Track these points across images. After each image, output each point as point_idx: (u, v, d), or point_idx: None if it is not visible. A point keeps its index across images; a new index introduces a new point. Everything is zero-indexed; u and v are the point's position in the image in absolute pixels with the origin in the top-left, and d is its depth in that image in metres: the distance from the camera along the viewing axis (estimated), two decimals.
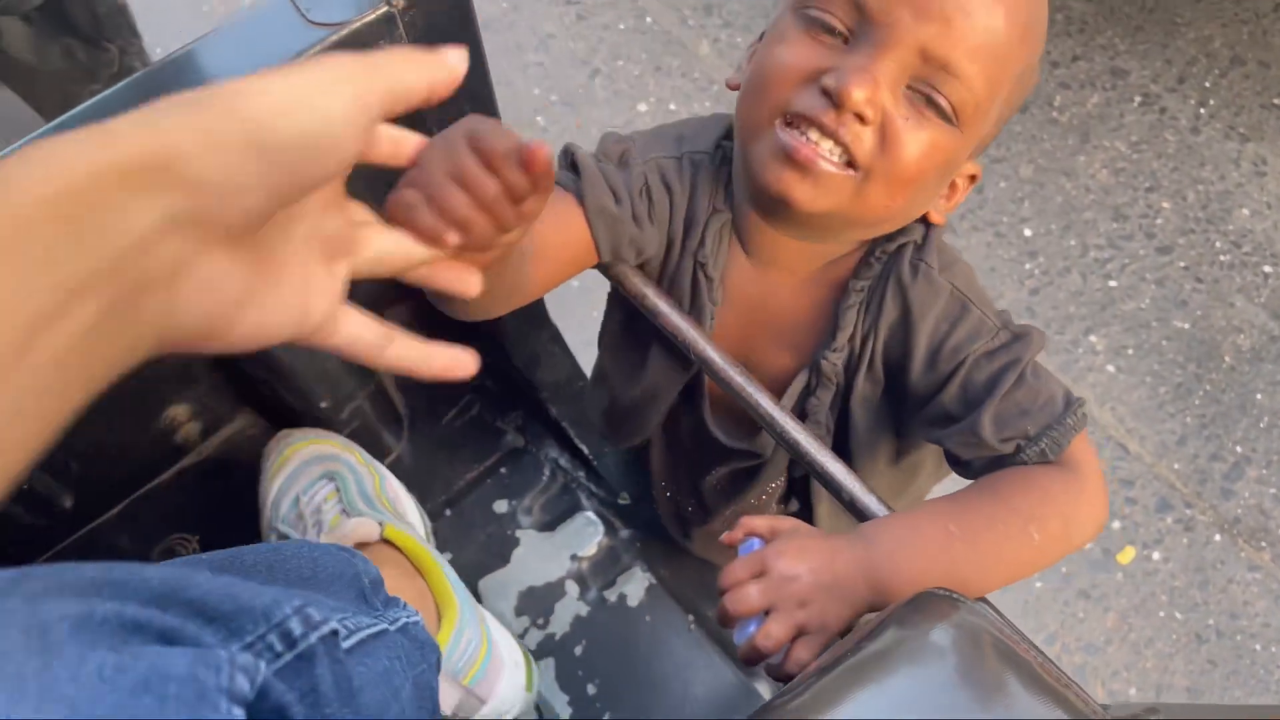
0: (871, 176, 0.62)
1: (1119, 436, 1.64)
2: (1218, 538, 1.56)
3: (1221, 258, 1.78)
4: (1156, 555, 1.55)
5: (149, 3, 2.20)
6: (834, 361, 0.73)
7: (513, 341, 1.11)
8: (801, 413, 0.77)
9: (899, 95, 0.61)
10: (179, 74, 0.65)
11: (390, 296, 1.24)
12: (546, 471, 1.17)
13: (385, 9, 0.64)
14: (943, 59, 0.59)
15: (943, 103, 0.61)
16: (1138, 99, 1.94)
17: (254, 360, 1.04)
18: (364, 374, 1.11)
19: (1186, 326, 1.72)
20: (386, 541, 0.83)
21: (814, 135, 0.61)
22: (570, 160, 0.73)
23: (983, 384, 0.67)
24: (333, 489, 0.89)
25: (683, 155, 0.75)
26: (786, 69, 0.62)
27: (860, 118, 0.60)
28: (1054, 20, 2.03)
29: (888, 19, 0.59)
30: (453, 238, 0.49)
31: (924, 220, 0.71)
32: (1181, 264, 1.78)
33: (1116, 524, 1.58)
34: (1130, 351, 1.71)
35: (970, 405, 0.68)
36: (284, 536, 0.87)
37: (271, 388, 1.07)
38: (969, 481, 0.69)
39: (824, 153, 0.61)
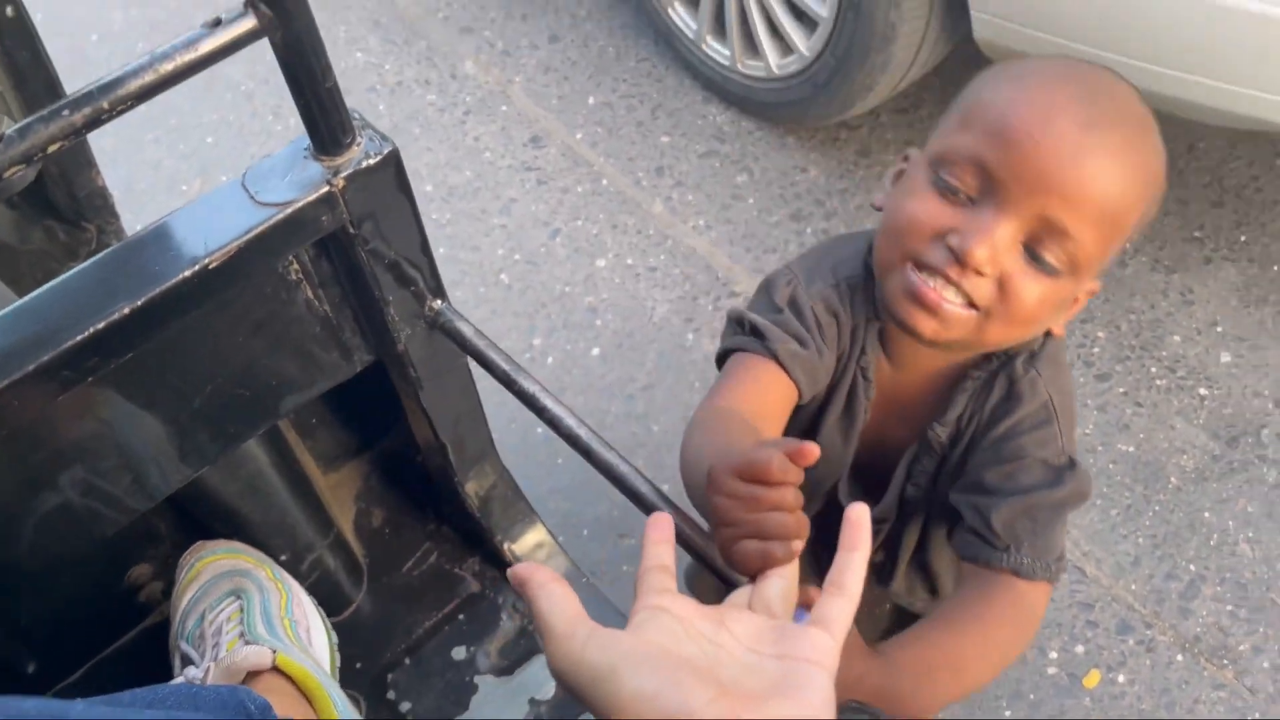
0: (991, 316, 0.72)
1: (1076, 560, 1.67)
2: (1180, 658, 1.57)
3: (1158, 382, 1.85)
4: (1121, 678, 1.56)
5: (132, 184, 2.33)
6: (940, 435, 0.85)
7: (468, 489, 1.15)
8: (908, 475, 0.89)
9: (1017, 251, 0.69)
10: (142, 250, 0.72)
11: (351, 449, 1.30)
12: (504, 615, 1.20)
13: (326, 189, 0.72)
14: (1060, 224, 0.68)
15: (1056, 259, 0.69)
16: None
17: (215, 515, 1.08)
18: (323, 525, 1.15)
19: (1131, 449, 1.78)
20: (278, 669, 0.85)
21: (938, 283, 0.71)
22: (750, 326, 0.82)
23: (1024, 485, 0.78)
24: (237, 608, 0.92)
25: (839, 281, 0.85)
26: (918, 225, 0.72)
27: (979, 272, 0.69)
28: None
29: (1010, 185, 0.68)
30: (799, 545, 0.55)
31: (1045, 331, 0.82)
32: (1121, 389, 1.85)
33: (1080, 648, 1.59)
34: None
35: (1000, 492, 0.79)
36: (186, 656, 0.89)
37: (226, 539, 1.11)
38: None
39: (948, 298, 0.71)
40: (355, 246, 0.78)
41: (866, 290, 0.84)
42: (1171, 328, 1.92)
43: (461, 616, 1.20)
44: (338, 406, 1.24)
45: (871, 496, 0.91)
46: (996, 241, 0.68)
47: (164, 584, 1.18)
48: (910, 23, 1.83)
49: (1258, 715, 1.51)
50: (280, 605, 1.02)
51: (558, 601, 0.49)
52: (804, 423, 0.90)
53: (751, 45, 2.17)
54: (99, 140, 2.48)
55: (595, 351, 1.99)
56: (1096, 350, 1.90)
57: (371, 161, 0.73)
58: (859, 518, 0.53)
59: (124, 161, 2.37)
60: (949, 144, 0.72)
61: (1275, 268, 1.98)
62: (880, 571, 1.05)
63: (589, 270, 2.12)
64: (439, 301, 0.88)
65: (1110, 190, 0.67)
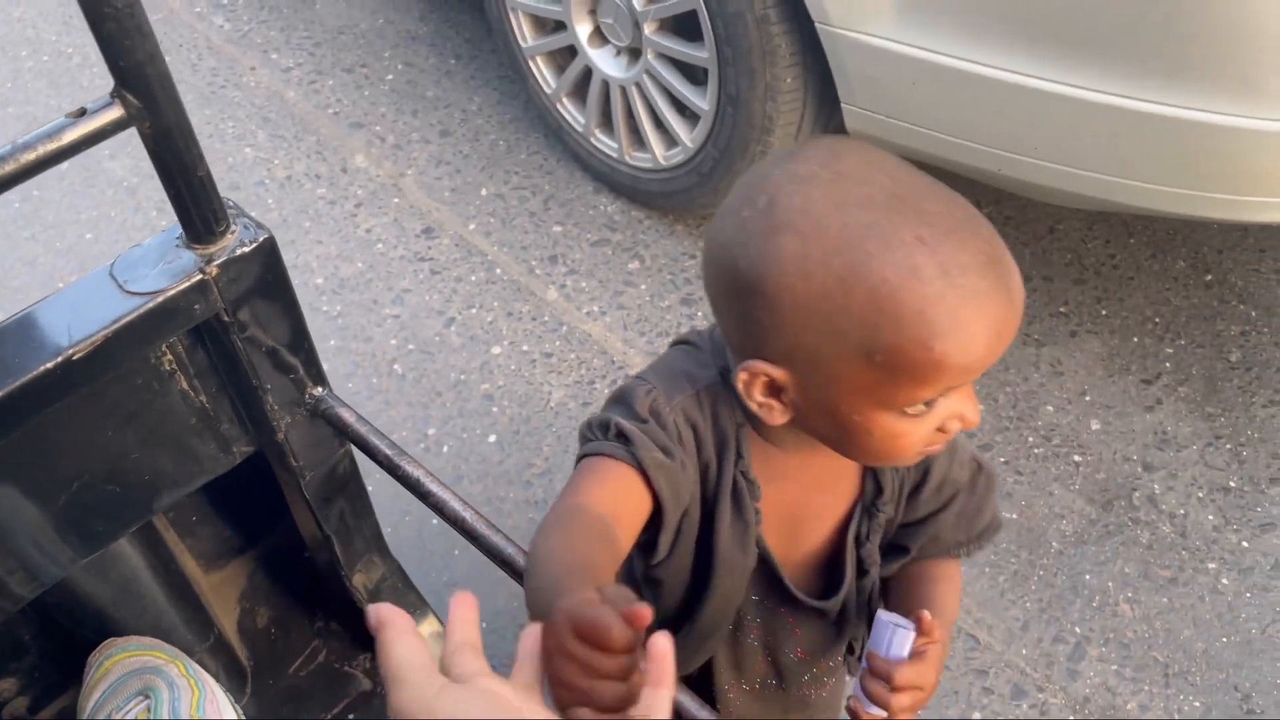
0: None
1: (969, 628, 1.71)
2: None
3: (1035, 450, 1.93)
4: None
5: (6, 281, 2.25)
6: (889, 511, 0.87)
7: (356, 582, 1.12)
8: (858, 548, 0.90)
9: None
10: (10, 338, 0.70)
11: (235, 546, 1.25)
12: None
13: (199, 277, 0.71)
14: None
15: None
16: None
17: (86, 623, 1.03)
18: (203, 627, 1.11)
19: (1014, 516, 1.84)
20: None
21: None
22: (617, 431, 0.79)
23: (954, 514, 0.87)
24: (145, 708, 0.88)
25: (698, 391, 0.82)
26: (918, 442, 0.73)
27: None
28: None
29: (973, 373, 0.69)
30: (635, 712, 0.53)
31: None
32: (1002, 459, 1.92)
33: (977, 715, 1.62)
34: None
35: (949, 526, 0.87)
36: None
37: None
38: None
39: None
40: (231, 335, 0.77)
41: (726, 397, 0.82)
42: (1045, 398, 2.01)
43: (352, 716, 1.16)
44: (220, 502, 1.20)
45: (823, 581, 0.93)
46: (976, 405, 0.72)
47: (29, 698, 1.11)
48: (786, 115, 1.92)
49: None
50: (191, 703, 0.97)
51: (415, 651, 0.49)
52: (691, 541, 0.86)
53: (638, 138, 2.24)
54: None
55: (492, 439, 1.98)
56: None
57: (246, 249, 0.73)
58: (663, 652, 0.53)
59: None
60: (905, 395, 0.69)
61: (1134, 339, 2.10)
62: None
63: (484, 358, 2.12)
64: (319, 389, 0.87)
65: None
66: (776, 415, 0.74)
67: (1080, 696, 1.63)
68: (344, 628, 1.20)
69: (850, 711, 0.84)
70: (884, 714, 0.81)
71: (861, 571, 0.91)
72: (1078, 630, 1.70)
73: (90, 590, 0.98)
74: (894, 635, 0.81)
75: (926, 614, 0.79)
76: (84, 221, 2.42)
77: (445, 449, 1.96)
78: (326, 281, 2.27)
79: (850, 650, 1.05)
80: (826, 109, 1.95)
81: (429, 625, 1.17)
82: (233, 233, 0.73)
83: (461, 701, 0.47)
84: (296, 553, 1.17)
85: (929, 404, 0.69)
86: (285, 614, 1.22)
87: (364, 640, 1.19)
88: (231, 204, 0.74)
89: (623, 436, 0.78)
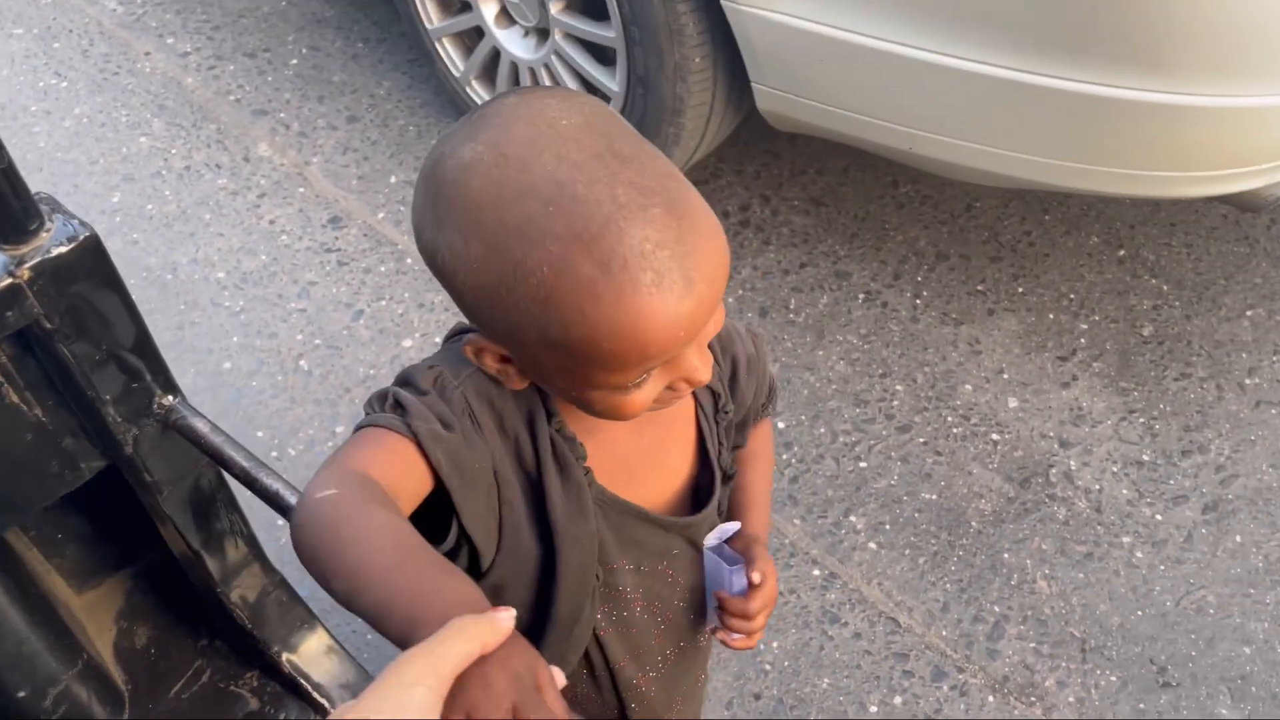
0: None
1: (889, 611, 1.70)
2: (991, 699, 1.60)
3: (954, 430, 1.92)
4: None
5: None
6: (727, 412, 0.88)
7: (234, 598, 1.06)
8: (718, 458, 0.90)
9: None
10: None
11: (109, 564, 1.18)
12: None
13: (9, 281, 0.65)
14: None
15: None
16: (861, 296, 2.13)
17: None
18: (70, 652, 1.03)
19: (934, 497, 1.83)
20: None
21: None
22: (394, 401, 0.74)
23: (761, 375, 0.92)
24: None
25: (490, 387, 0.77)
26: (640, 407, 0.71)
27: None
28: (780, 234, 2.24)
29: (679, 348, 0.67)
30: None
31: None
32: (921, 440, 1.91)
33: (898, 699, 1.61)
34: (888, 527, 1.79)
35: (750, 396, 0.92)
36: None
37: None
38: None
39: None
40: (55, 343, 0.70)
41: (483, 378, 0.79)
42: (963, 377, 2.00)
43: None
44: (90, 516, 1.13)
45: (688, 504, 0.91)
46: (703, 359, 0.69)
47: None
48: (696, 96, 1.88)
49: None
50: None
51: (469, 651, 0.52)
52: (522, 527, 0.81)
53: None
54: None
55: None
56: (896, 403, 1.96)
57: (63, 249, 0.67)
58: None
59: None
60: (597, 380, 0.67)
61: (1050, 316, 2.10)
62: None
63: (395, 351, 2.05)
64: (170, 397, 0.81)
65: (725, 273, 0.67)
66: (515, 380, 0.73)
67: (999, 675, 1.63)
68: (229, 645, 1.14)
69: (720, 641, 0.94)
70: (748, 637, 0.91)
71: (726, 478, 0.92)
72: (996, 609, 1.70)
73: None
74: (732, 575, 0.87)
75: (756, 567, 0.88)
76: None
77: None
78: (229, 276, 2.18)
79: None
80: (738, 89, 1.91)
81: (319, 639, 1.11)
82: (48, 231, 0.66)
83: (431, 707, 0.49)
84: (177, 567, 1.11)
85: (639, 383, 0.68)
86: (166, 633, 1.15)
87: (250, 658, 1.13)
88: (45, 198, 0.67)
89: (400, 408, 0.73)
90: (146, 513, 0.99)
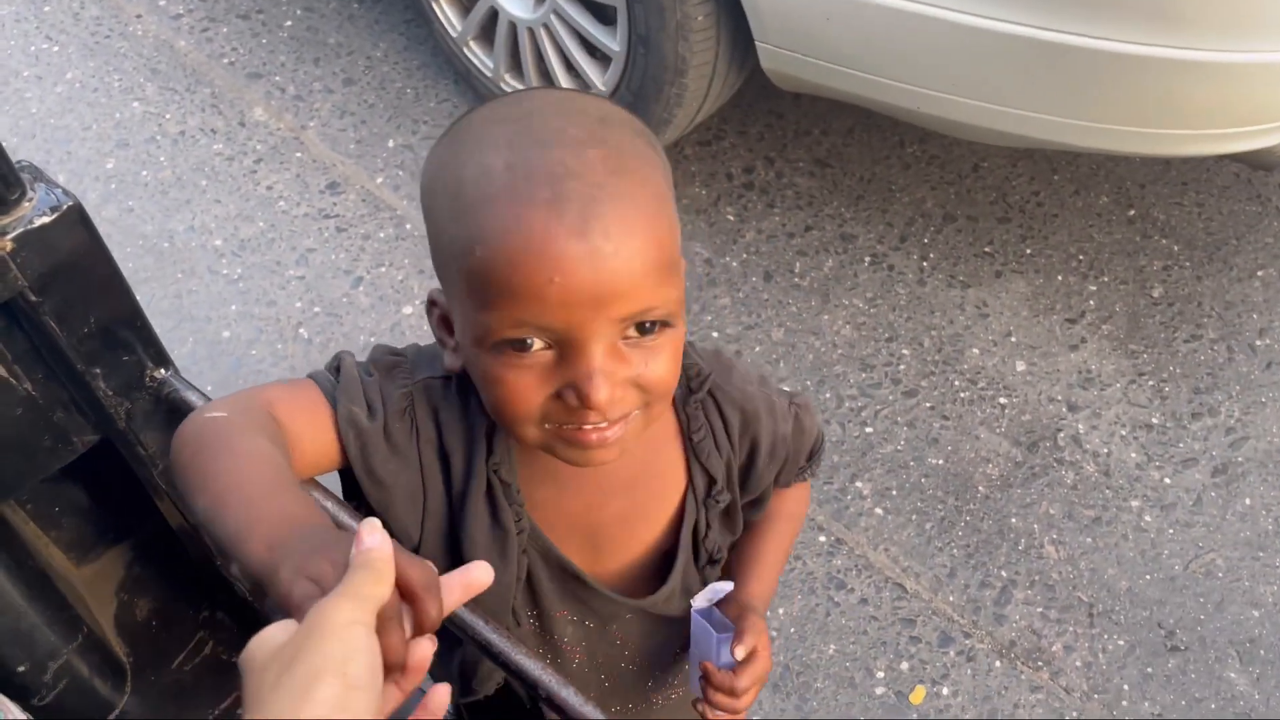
0: (651, 405, 0.66)
1: (896, 576, 1.69)
2: (998, 664, 1.60)
3: (961, 395, 1.90)
4: (945, 690, 1.57)
5: None
6: (723, 501, 0.81)
7: (236, 571, 1.05)
8: (697, 544, 0.83)
9: (624, 350, 0.62)
10: None
11: (109, 536, 1.17)
12: None
13: None
14: (634, 314, 0.60)
15: (658, 328, 0.63)
16: (867, 259, 2.10)
17: None
18: (69, 625, 1.02)
19: (941, 462, 1.82)
20: None
21: (591, 425, 0.63)
22: (336, 365, 0.72)
23: (796, 452, 0.85)
24: None
25: (452, 378, 0.73)
26: (521, 397, 0.63)
27: (611, 405, 0.62)
28: (784, 196, 2.21)
29: (573, 326, 0.59)
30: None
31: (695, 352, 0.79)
32: (928, 404, 1.89)
33: (905, 664, 1.60)
34: (894, 493, 1.78)
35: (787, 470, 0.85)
36: None
37: None
38: None
39: (614, 430, 0.64)
40: (41, 316, 0.68)
41: (446, 382, 0.75)
42: (970, 341, 1.98)
43: (240, 711, 1.09)
44: (88, 488, 1.11)
45: (650, 580, 0.84)
46: (608, 371, 0.61)
47: None
48: (699, 55, 1.84)
49: (1074, 714, 1.55)
50: None
51: (385, 590, 0.50)
52: (444, 539, 0.76)
53: (549, 82, 2.14)
54: None
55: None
56: (902, 368, 1.94)
57: (46, 219, 0.64)
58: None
59: None
60: (484, 324, 0.61)
61: (1059, 278, 2.08)
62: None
63: (395, 318, 2.03)
64: (162, 370, 0.79)
65: (657, 252, 0.61)
66: (449, 356, 0.69)
67: (1006, 641, 1.62)
68: (231, 617, 1.13)
69: (700, 713, 0.83)
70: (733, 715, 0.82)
71: (711, 561, 0.85)
72: (1004, 574, 1.69)
73: None
74: (720, 645, 0.80)
75: (745, 641, 0.81)
76: None
77: None
78: (226, 243, 2.15)
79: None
80: (741, 48, 1.87)
81: None
82: (30, 200, 0.64)
83: (370, 643, 0.48)
84: (178, 540, 1.09)
85: (518, 347, 0.60)
86: (167, 605, 1.14)
87: (252, 630, 1.12)
88: (27, 166, 0.65)
89: (338, 373, 0.71)
90: (142, 486, 0.98)
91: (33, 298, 0.66)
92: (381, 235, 2.16)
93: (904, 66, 1.66)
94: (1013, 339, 1.98)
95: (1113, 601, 1.66)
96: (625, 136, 0.62)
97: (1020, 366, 1.94)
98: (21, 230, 0.64)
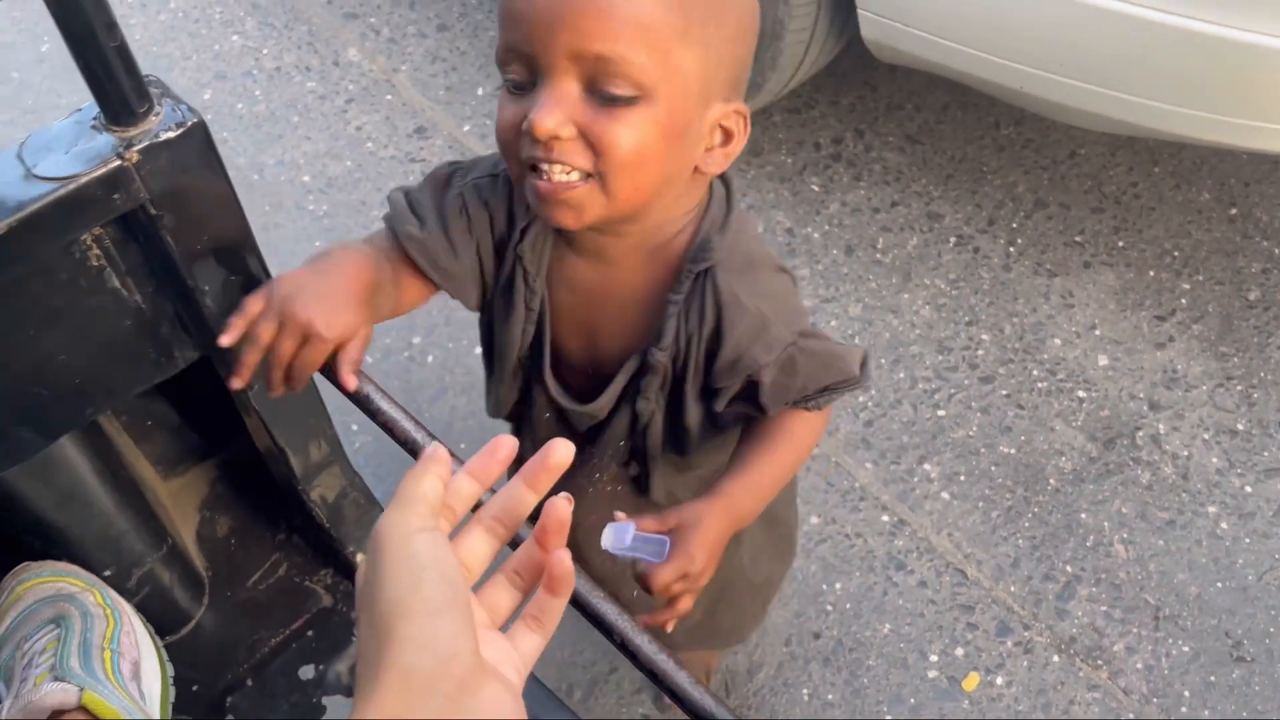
0: (606, 176, 0.71)
1: (957, 562, 1.67)
2: (1056, 659, 1.57)
3: (1039, 385, 1.87)
4: (1000, 680, 1.55)
5: None
6: (661, 358, 0.85)
7: (314, 496, 1.07)
8: (636, 390, 0.89)
9: (582, 102, 0.69)
10: None
11: (196, 453, 1.20)
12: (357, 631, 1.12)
13: (117, 163, 0.64)
14: (596, 55, 0.66)
15: (624, 89, 0.68)
16: (953, 240, 2.06)
17: (29, 529, 0.98)
18: (155, 535, 1.06)
19: (1012, 451, 1.79)
20: (84, 709, 0.78)
21: (546, 168, 0.71)
22: (393, 202, 0.87)
23: (768, 385, 0.84)
24: (54, 638, 0.84)
25: (499, 172, 0.85)
26: (505, 130, 0.73)
27: (557, 138, 0.69)
28: (872, 170, 2.17)
29: (538, 50, 0.68)
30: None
31: (723, 227, 0.83)
32: (1003, 392, 1.86)
33: (960, 650, 1.59)
34: (962, 478, 1.76)
35: (753, 396, 0.85)
36: None
37: (50, 558, 1.00)
38: None
39: (558, 178, 0.71)
40: (159, 230, 0.70)
41: None
42: (1053, 330, 1.94)
43: (311, 633, 1.12)
44: (180, 406, 1.14)
45: (588, 396, 0.93)
46: (554, 103, 0.68)
47: None
48: (798, 20, 1.81)
49: (1131, 716, 1.53)
50: (105, 634, 0.93)
51: (434, 489, 0.50)
52: (487, 310, 0.93)
53: None
54: None
55: (479, 350, 1.92)
56: (980, 353, 1.90)
57: (171, 134, 0.66)
58: (564, 571, 0.52)
59: None
60: (496, 48, 0.73)
61: (1151, 273, 2.02)
62: (637, 483, 1.03)
63: None
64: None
65: (623, 8, 0.66)
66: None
67: (1066, 636, 1.60)
68: (306, 541, 1.15)
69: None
70: (665, 617, 0.82)
71: (637, 414, 0.91)
72: (1069, 569, 1.66)
73: (32, 495, 0.93)
74: (616, 532, 0.78)
75: (669, 564, 0.79)
76: (64, 106, 2.32)
77: (430, 359, 1.90)
78: (314, 180, 2.18)
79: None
80: (841, 15, 1.84)
81: None
82: (156, 115, 0.65)
83: (437, 550, 0.47)
84: (260, 461, 1.12)
85: (511, 85, 0.71)
86: (246, 525, 1.17)
87: (326, 555, 1.15)
88: (155, 81, 0.66)
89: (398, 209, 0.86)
90: (232, 406, 1.00)
91: (152, 211, 0.68)
92: None
93: (1012, 43, 1.61)
94: (1097, 332, 1.93)
95: (1180, 606, 1.63)
96: None
97: (1103, 361, 1.90)
98: (147, 144, 0.65)
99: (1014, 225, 2.09)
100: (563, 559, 0.51)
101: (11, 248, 0.63)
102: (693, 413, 0.90)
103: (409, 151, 2.23)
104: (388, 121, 2.28)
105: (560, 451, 0.53)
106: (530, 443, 1.00)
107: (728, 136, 0.77)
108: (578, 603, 0.66)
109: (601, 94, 0.68)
